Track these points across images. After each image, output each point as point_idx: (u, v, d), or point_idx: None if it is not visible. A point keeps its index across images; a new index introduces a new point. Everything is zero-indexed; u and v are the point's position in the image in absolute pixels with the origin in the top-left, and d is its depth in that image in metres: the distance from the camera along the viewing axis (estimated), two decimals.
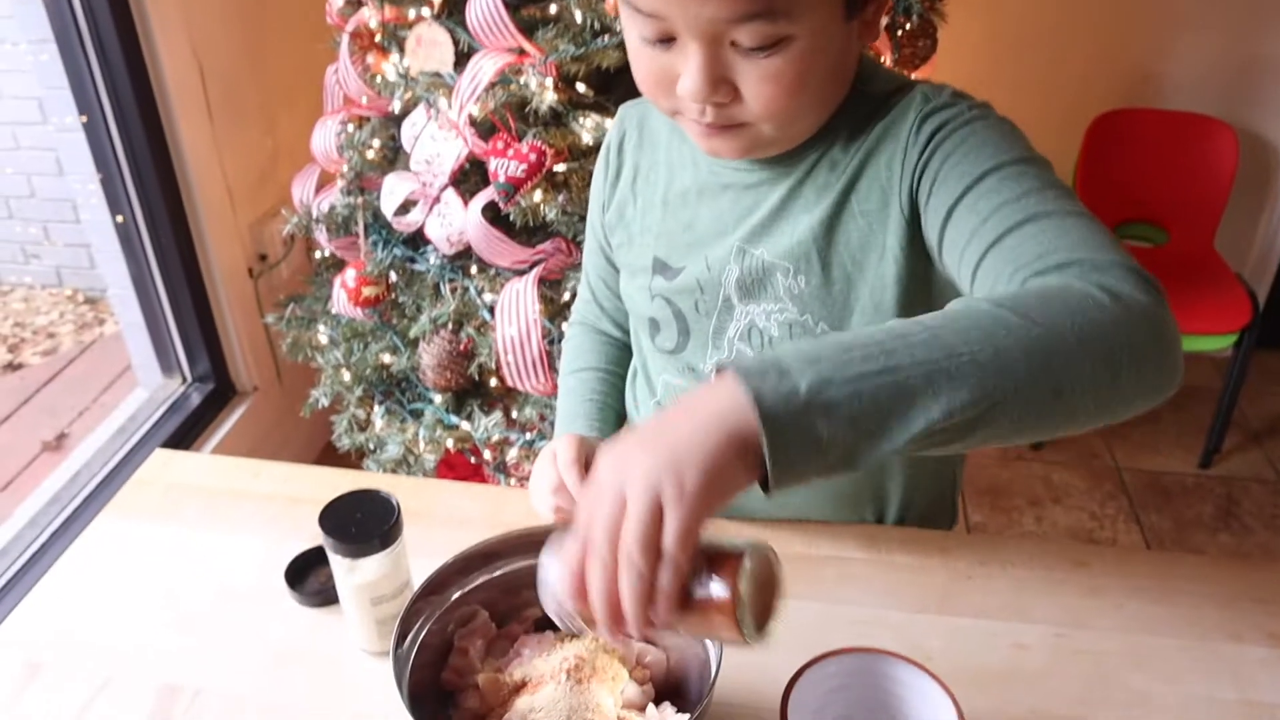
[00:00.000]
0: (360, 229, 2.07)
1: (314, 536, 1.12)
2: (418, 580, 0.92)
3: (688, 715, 0.84)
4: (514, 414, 2.01)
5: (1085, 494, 2.87)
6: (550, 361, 1.90)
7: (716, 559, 0.69)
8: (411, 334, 2.03)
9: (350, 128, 2.12)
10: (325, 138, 2.11)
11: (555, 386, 1.90)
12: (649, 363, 1.24)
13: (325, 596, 1.08)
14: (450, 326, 2.00)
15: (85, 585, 1.12)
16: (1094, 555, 1.16)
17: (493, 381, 2.04)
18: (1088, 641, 1.06)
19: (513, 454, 1.97)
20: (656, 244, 1.16)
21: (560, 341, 1.91)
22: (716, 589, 0.67)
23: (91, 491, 2.11)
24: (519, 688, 0.89)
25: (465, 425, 2.01)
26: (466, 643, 0.92)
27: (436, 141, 1.92)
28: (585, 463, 1.08)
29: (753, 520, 1.19)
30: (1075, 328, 0.71)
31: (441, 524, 1.15)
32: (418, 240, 2.05)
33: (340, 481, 1.28)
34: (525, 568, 0.95)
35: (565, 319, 1.92)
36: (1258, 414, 3.16)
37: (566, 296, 1.93)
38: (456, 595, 0.93)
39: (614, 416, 1.27)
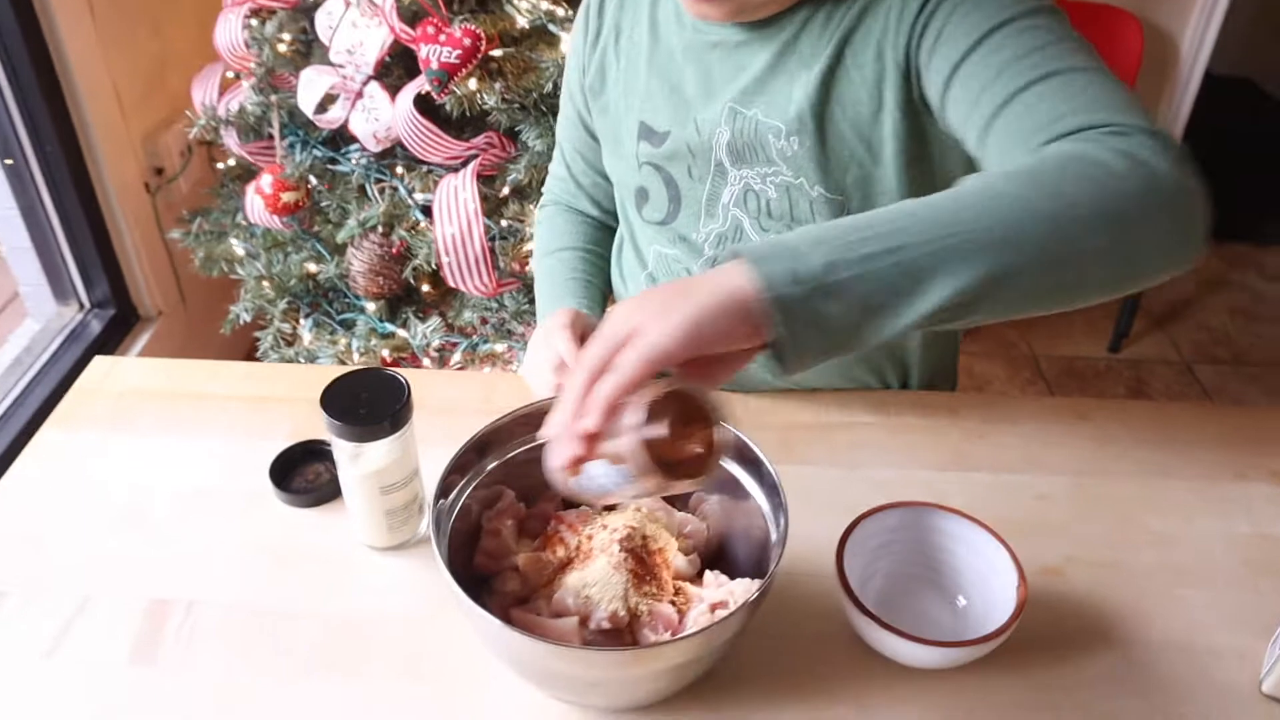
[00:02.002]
0: (275, 130, 1.92)
1: (290, 435, 1.04)
2: (438, 468, 0.84)
3: (758, 581, 0.79)
4: (452, 319, 1.92)
5: (1006, 381, 2.93)
6: (493, 260, 1.81)
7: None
8: (338, 240, 1.91)
9: (254, 22, 1.96)
10: (229, 32, 1.94)
11: (499, 286, 1.82)
12: (637, 235, 1.18)
13: (316, 495, 0.99)
14: (380, 230, 1.89)
15: (40, 504, 1.00)
16: (1095, 408, 1.16)
17: (426, 287, 1.94)
18: (1104, 489, 1.05)
19: (456, 359, 1.89)
20: (642, 108, 1.09)
21: (501, 239, 1.83)
22: (634, 414, 0.64)
23: None
24: (564, 565, 0.83)
25: (401, 333, 1.91)
26: (497, 524, 0.85)
27: (358, 29, 1.78)
28: (584, 336, 1.01)
29: (759, 393, 1.14)
30: (1092, 201, 0.68)
31: (432, 412, 1.06)
32: (339, 139, 1.92)
33: (307, 377, 1.19)
34: (541, 445, 0.88)
35: (505, 216, 1.84)
36: (1161, 299, 3.27)
37: (506, 191, 1.84)
38: (476, 479, 0.85)
39: (600, 296, 1.21)
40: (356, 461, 0.88)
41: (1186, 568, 0.97)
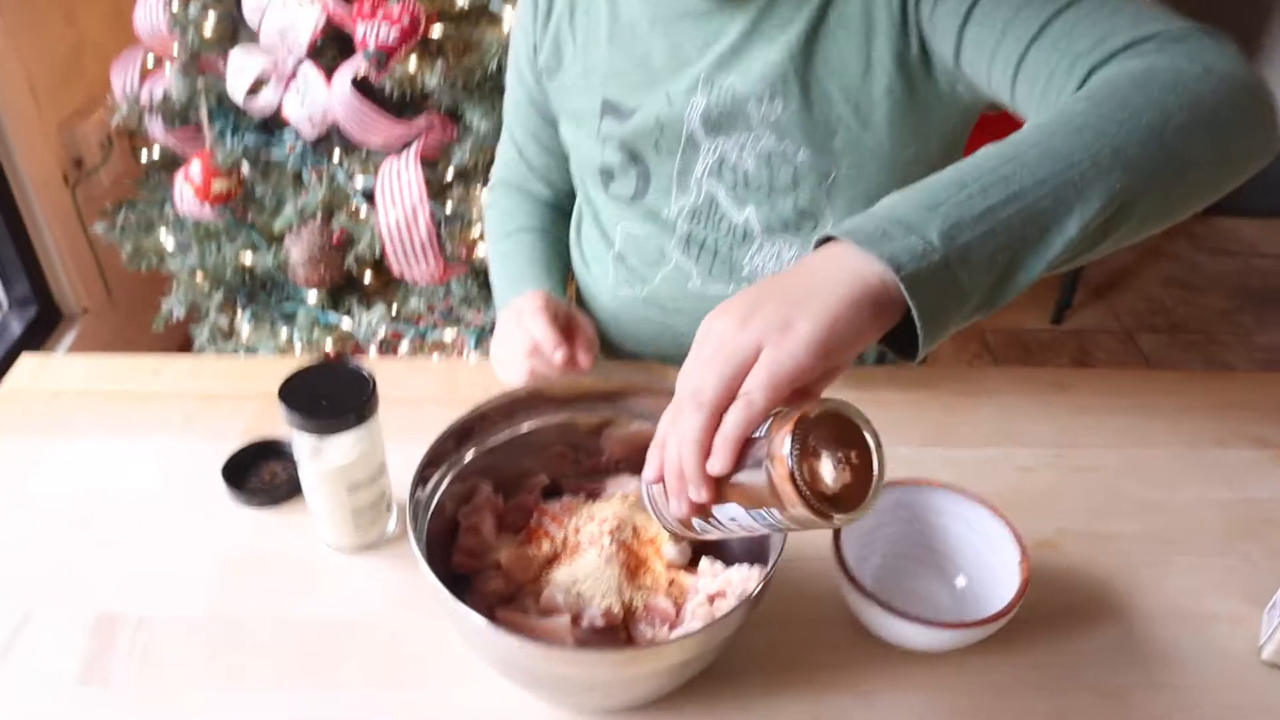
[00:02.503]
0: (203, 116, 1.83)
1: (242, 433, 0.98)
2: (402, 461, 0.79)
3: (756, 568, 0.75)
4: (398, 307, 1.86)
5: (954, 354, 2.94)
6: (439, 245, 1.75)
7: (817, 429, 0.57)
8: (275, 229, 1.83)
9: (175, 4, 1.86)
10: (150, 15, 1.85)
11: (446, 272, 1.76)
12: (602, 214, 1.13)
13: (273, 495, 0.93)
14: (319, 217, 1.81)
15: None
16: (1074, 378, 1.14)
17: (370, 275, 1.87)
18: (1086, 459, 1.04)
19: (403, 349, 1.82)
20: (605, 85, 1.04)
21: (446, 223, 1.77)
22: (778, 446, 0.56)
23: None
24: (550, 560, 0.78)
25: (345, 323, 1.84)
26: (475, 520, 0.80)
27: (289, 9, 1.70)
28: (558, 318, 0.96)
29: None
30: (1181, 105, 0.65)
31: (395, 404, 1.01)
32: (272, 124, 1.84)
33: (256, 370, 1.12)
34: (518, 435, 0.83)
35: (450, 199, 1.78)
36: (1101, 270, 3.31)
37: (450, 174, 1.78)
38: (453, 471, 0.80)
39: (561, 279, 1.16)
40: (319, 458, 0.82)
41: (1174, 536, 0.95)
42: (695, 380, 0.59)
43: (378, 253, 1.77)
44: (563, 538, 0.79)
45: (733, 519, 0.61)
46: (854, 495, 0.58)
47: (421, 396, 1.05)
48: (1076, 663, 0.83)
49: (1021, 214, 0.61)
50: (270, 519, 0.93)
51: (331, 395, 0.80)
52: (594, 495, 0.85)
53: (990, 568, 0.84)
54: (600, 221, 1.13)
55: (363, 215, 1.77)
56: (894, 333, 0.62)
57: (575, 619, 0.73)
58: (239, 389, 1.07)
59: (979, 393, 1.11)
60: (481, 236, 1.76)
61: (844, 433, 0.58)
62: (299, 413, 0.79)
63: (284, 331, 1.86)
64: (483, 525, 0.79)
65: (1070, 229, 0.61)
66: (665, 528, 0.67)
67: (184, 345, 1.96)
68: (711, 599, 0.75)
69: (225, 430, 1.01)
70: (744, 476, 0.58)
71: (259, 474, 0.96)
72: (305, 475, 0.84)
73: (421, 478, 0.75)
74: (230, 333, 1.92)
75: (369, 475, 0.84)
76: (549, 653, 0.64)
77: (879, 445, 0.58)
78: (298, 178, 1.83)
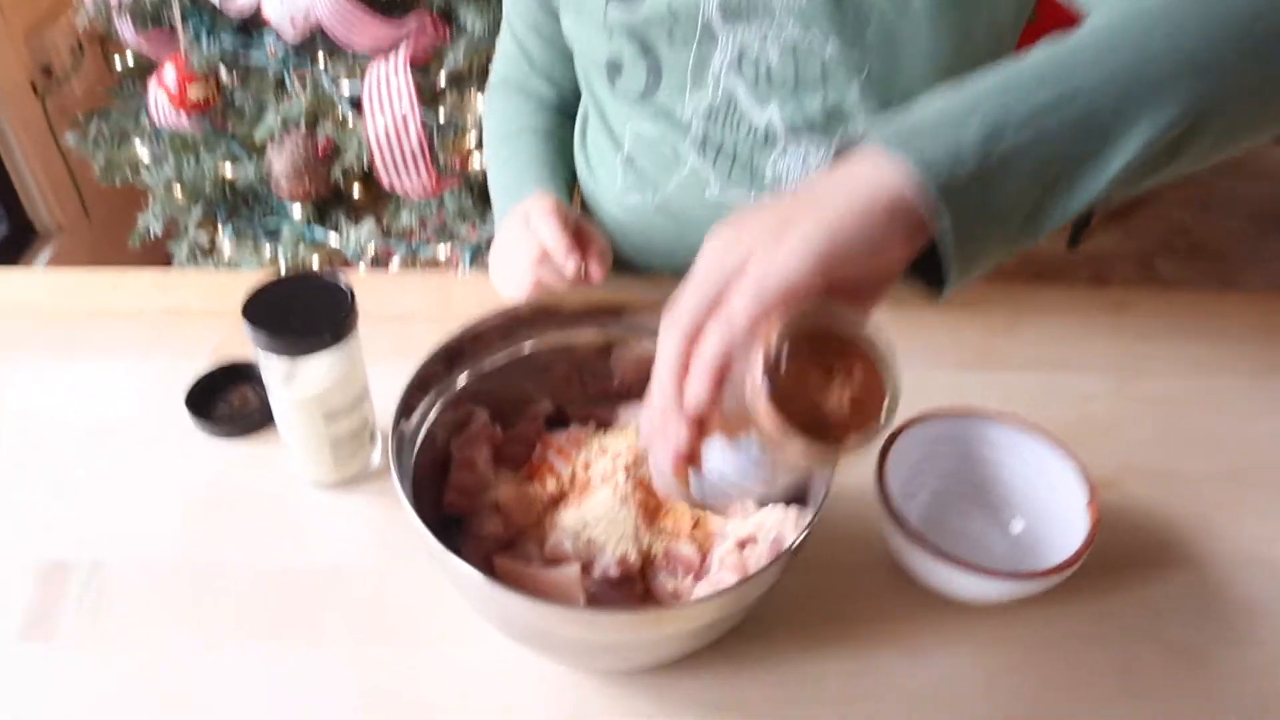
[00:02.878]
0: (176, 17, 1.70)
1: (213, 355, 0.87)
2: (387, 387, 0.69)
3: (791, 509, 0.65)
4: (388, 222, 1.74)
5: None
6: (431, 156, 1.63)
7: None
8: (256, 139, 1.71)
9: None
10: None
11: (439, 184, 1.65)
12: (609, 113, 1.01)
13: (244, 424, 0.83)
14: (302, 126, 1.69)
15: None
16: (1135, 297, 1.04)
17: (358, 188, 1.75)
18: (1149, 388, 0.93)
19: (394, 266, 1.71)
20: None
21: (439, 132, 1.65)
22: (754, 363, 0.47)
23: None
24: (556, 500, 0.68)
25: (332, 239, 1.72)
26: (471, 453, 0.70)
27: None
28: (568, 224, 0.85)
29: None
30: (1273, 5, 0.53)
31: (381, 322, 0.90)
32: (250, 26, 1.71)
33: (230, 285, 1.01)
34: (518, 356, 0.73)
35: (442, 105, 1.65)
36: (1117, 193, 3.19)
37: (443, 79, 1.65)
38: (443, 398, 0.70)
39: (566, 185, 1.04)
40: (292, 383, 0.72)
41: (1249, 474, 0.85)
42: (676, 303, 0.51)
43: (366, 164, 1.66)
44: (570, 474, 0.69)
45: (722, 469, 0.52)
46: (858, 419, 0.48)
47: (409, 313, 0.94)
48: (1143, 615, 0.74)
49: (1077, 122, 0.50)
50: (241, 451, 0.82)
51: (304, 312, 0.70)
52: (605, 425, 0.75)
53: (1051, 509, 0.75)
54: (607, 121, 1.01)
55: (349, 124, 1.65)
56: (921, 266, 0.53)
57: (585, 568, 0.63)
58: (210, 305, 0.97)
59: (1027, 312, 1.00)
60: (477, 146, 1.64)
61: (843, 345, 0.48)
62: (266, 332, 0.68)
63: (267, 248, 1.76)
64: (478, 459, 0.69)
65: (1133, 144, 0.50)
66: (665, 493, 0.57)
67: (163, 265, 1.85)
68: (742, 545, 0.66)
69: (192, 351, 0.90)
70: (729, 417, 0.49)
71: (228, 400, 0.85)
72: (277, 403, 0.74)
73: (406, 405, 0.65)
74: (211, 250, 1.81)
75: (348, 402, 0.74)
76: (555, 612, 0.54)
77: (887, 355, 0.48)
78: (279, 84, 1.71)
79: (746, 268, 0.48)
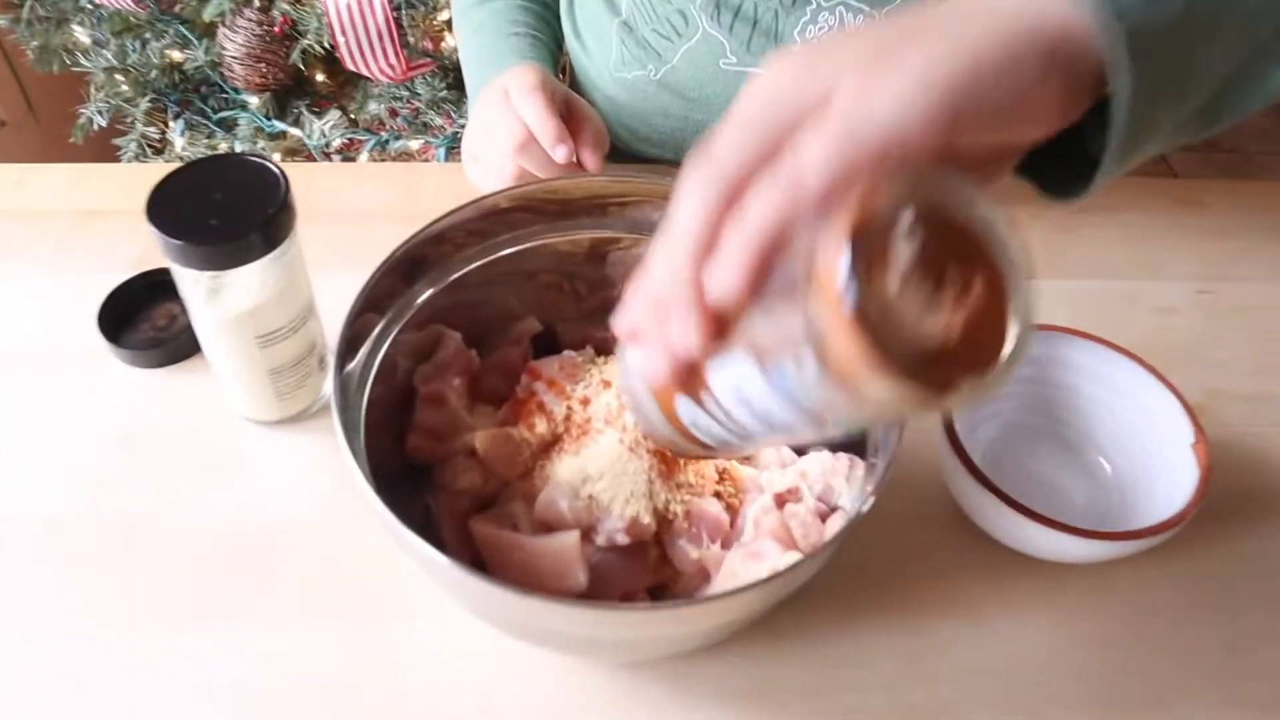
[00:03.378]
0: None
1: (134, 263, 0.72)
2: (339, 300, 0.54)
3: (843, 457, 0.52)
4: (355, 112, 1.57)
5: None
6: (400, 35, 1.46)
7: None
8: (205, 18, 1.53)
9: None
10: None
11: (410, 68, 1.48)
12: None
13: (170, 349, 0.69)
14: (257, 4, 1.51)
15: None
16: (1211, 193, 0.89)
17: (321, 74, 1.58)
18: (1237, 296, 0.80)
19: (363, 160, 1.55)
20: None
21: (408, 7, 1.47)
22: (828, 256, 0.30)
23: None
24: (548, 447, 0.55)
25: (294, 131, 1.56)
26: (439, 385, 0.56)
27: None
28: (555, 101, 0.70)
29: None
30: None
31: (330, 221, 0.75)
32: None
33: (154, 178, 0.85)
34: (496, 261, 0.59)
35: None
36: None
37: None
38: (404, 318, 0.56)
39: (551, 57, 0.88)
40: (216, 300, 0.58)
41: None
42: (716, 142, 0.34)
43: (328, 45, 1.48)
44: (564, 413, 0.55)
45: (745, 401, 0.36)
46: (969, 355, 0.32)
47: (367, 211, 0.79)
48: (1252, 574, 0.62)
49: None
50: (165, 382, 0.68)
51: (227, 209, 0.55)
52: (604, 349, 0.61)
53: (1144, 448, 0.62)
54: None
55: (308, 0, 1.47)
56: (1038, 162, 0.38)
57: (586, 534, 0.50)
58: (132, 204, 0.81)
59: (1095, 207, 0.86)
60: (451, 25, 1.47)
61: (963, 244, 0.33)
62: (178, 237, 0.53)
63: (223, 143, 1.59)
64: (449, 393, 0.56)
65: None
66: (646, 431, 0.42)
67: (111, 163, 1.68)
68: (781, 501, 0.53)
69: (110, 260, 0.75)
70: (768, 325, 0.34)
71: (150, 319, 0.71)
72: (200, 325, 0.60)
73: (352, 331, 0.50)
74: (162, 145, 1.64)
75: (289, 321, 0.60)
76: (549, 609, 0.41)
77: (1020, 266, 0.33)
78: None
79: (829, 105, 0.32)
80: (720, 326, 0.34)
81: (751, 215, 0.32)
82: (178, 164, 0.58)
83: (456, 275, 0.58)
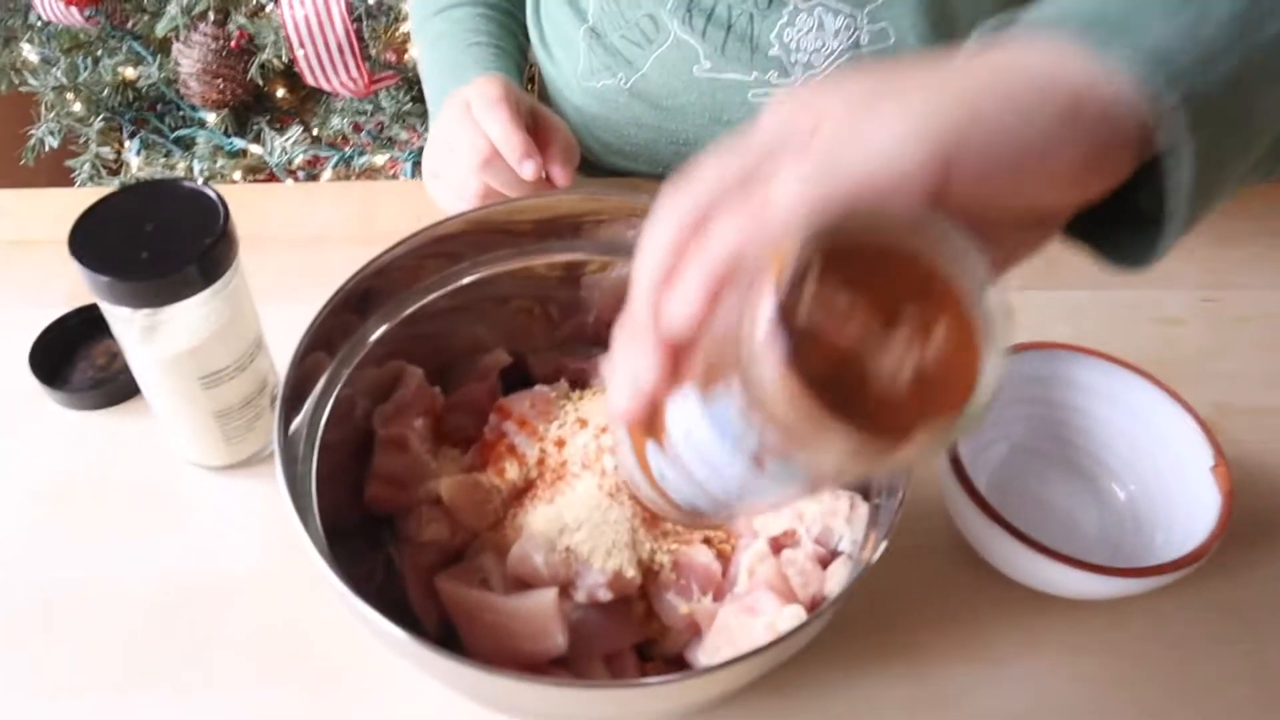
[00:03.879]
0: None
1: (65, 297, 0.67)
2: (275, 335, 0.50)
3: (844, 496, 0.48)
4: (317, 128, 1.52)
5: None
6: (362, 48, 1.41)
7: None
8: (159, 34, 1.47)
9: None
10: None
11: (372, 82, 1.43)
12: None
13: (109, 390, 0.64)
14: (212, 18, 1.46)
15: None
16: None
17: (281, 90, 1.53)
18: (1243, 305, 0.76)
19: (326, 177, 1.50)
20: None
21: (369, 18, 1.43)
22: (758, 296, 0.27)
23: None
24: (520, 494, 0.50)
25: (255, 149, 1.51)
26: (399, 428, 0.51)
27: None
28: (521, 113, 0.66)
29: None
30: None
31: (287, 247, 0.71)
32: None
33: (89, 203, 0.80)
34: (461, 289, 0.54)
35: None
36: None
37: None
38: (361, 351, 0.51)
39: (516, 68, 0.84)
40: (153, 339, 0.53)
41: None
42: (692, 172, 0.32)
43: (287, 60, 1.43)
44: (537, 456, 0.50)
45: (696, 446, 0.32)
46: (935, 405, 0.28)
47: (323, 234, 0.74)
48: (1278, 603, 0.58)
49: None
50: (104, 426, 0.63)
51: (160, 239, 0.50)
52: (580, 382, 0.56)
53: (1159, 471, 0.58)
54: None
55: (265, 11, 1.42)
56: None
57: (565, 590, 0.46)
58: (65, 233, 0.76)
59: None
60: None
61: (925, 282, 0.29)
62: (106, 272, 0.49)
63: (181, 163, 1.54)
64: (410, 436, 0.51)
65: None
66: (630, 487, 0.39)
67: (63, 184, 1.62)
68: (776, 547, 0.48)
69: (41, 295, 0.70)
70: (716, 360, 0.30)
71: (88, 358, 0.66)
72: (137, 367, 0.55)
73: (299, 373, 0.45)
74: (118, 166, 1.59)
75: (234, 360, 0.55)
76: (524, 688, 0.36)
77: (992, 310, 0.28)
78: None
79: (812, 138, 0.30)
80: (678, 360, 0.31)
81: (712, 243, 0.30)
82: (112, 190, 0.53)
83: (416, 306, 0.53)
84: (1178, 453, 0.57)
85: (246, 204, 0.76)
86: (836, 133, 0.29)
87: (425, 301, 0.53)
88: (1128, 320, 0.74)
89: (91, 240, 0.49)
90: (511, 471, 0.49)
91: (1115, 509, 0.59)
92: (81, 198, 0.79)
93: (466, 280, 0.54)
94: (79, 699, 0.50)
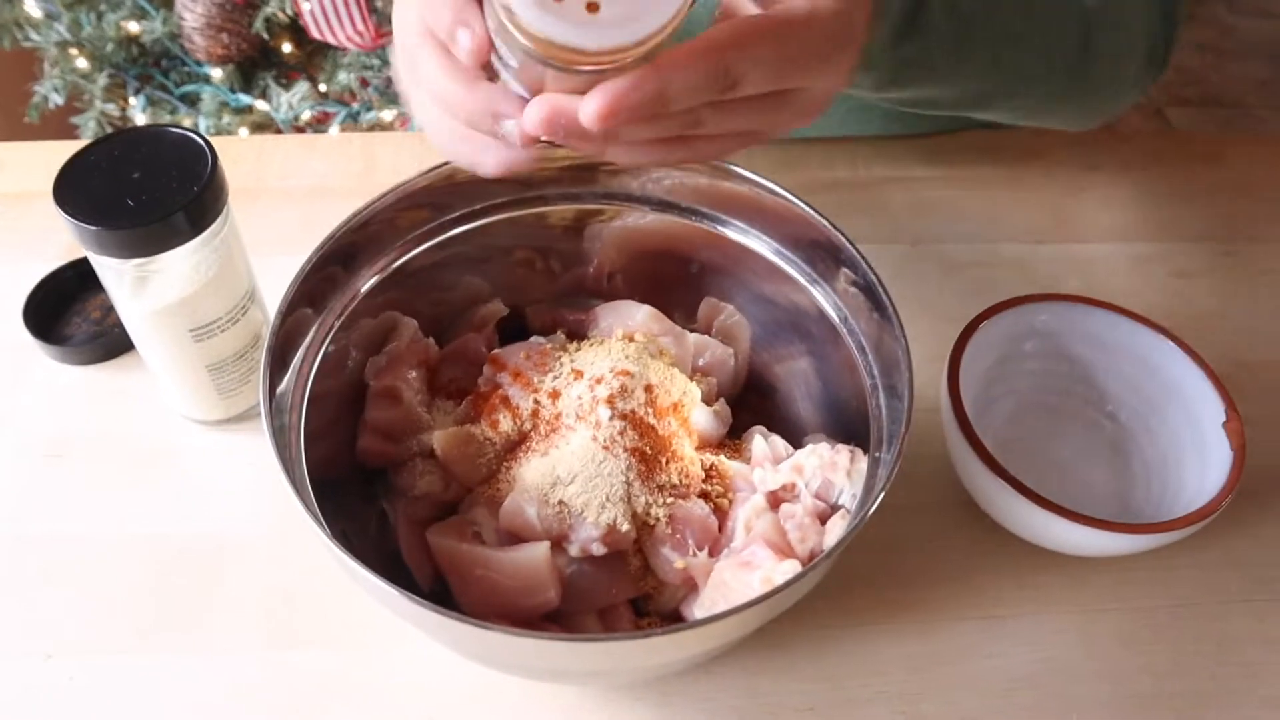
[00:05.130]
0: None
1: (64, 250, 0.67)
2: (271, 287, 0.49)
3: (842, 449, 0.47)
4: (323, 83, 1.51)
5: None
6: (369, 0, 1.39)
7: None
8: None
9: None
10: None
11: (379, 35, 1.41)
12: None
13: (104, 344, 0.63)
14: None
15: None
16: (1228, 148, 0.83)
17: (287, 44, 1.51)
18: (1264, 258, 0.74)
19: (333, 131, 1.48)
20: None
21: None
22: None
23: None
24: (514, 446, 0.49)
25: (260, 105, 1.49)
26: (393, 379, 0.50)
27: None
28: None
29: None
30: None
31: (285, 199, 0.70)
32: None
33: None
34: (456, 237, 0.53)
35: None
36: None
37: None
38: (352, 303, 0.50)
39: None
40: (143, 290, 0.52)
41: None
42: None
43: (292, 13, 1.41)
44: (532, 408, 0.49)
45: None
46: None
47: (321, 187, 0.73)
48: None
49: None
50: (100, 381, 0.62)
51: (147, 188, 0.49)
52: (578, 334, 0.55)
53: (1171, 428, 0.57)
54: None
55: None
56: None
57: (558, 544, 0.45)
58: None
59: (1106, 165, 0.80)
60: None
61: None
62: (93, 221, 0.47)
63: (187, 119, 1.52)
64: (404, 388, 0.50)
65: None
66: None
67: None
68: (775, 501, 0.47)
69: (39, 248, 0.69)
70: None
71: (83, 312, 0.65)
72: (128, 319, 0.54)
73: (286, 328, 0.44)
74: (122, 122, 1.58)
75: (226, 312, 0.54)
76: (515, 642, 0.36)
77: None
78: None
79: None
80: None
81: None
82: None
83: (409, 256, 0.52)
84: (1189, 407, 0.56)
85: (243, 156, 0.75)
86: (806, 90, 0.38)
87: (419, 251, 0.52)
88: (1143, 274, 0.72)
89: (78, 190, 0.48)
90: (505, 424, 0.48)
91: (1126, 463, 0.58)
92: (69, 150, 0.78)
93: (463, 229, 0.53)
94: (77, 657, 0.50)
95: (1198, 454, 0.54)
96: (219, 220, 0.51)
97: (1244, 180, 0.80)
